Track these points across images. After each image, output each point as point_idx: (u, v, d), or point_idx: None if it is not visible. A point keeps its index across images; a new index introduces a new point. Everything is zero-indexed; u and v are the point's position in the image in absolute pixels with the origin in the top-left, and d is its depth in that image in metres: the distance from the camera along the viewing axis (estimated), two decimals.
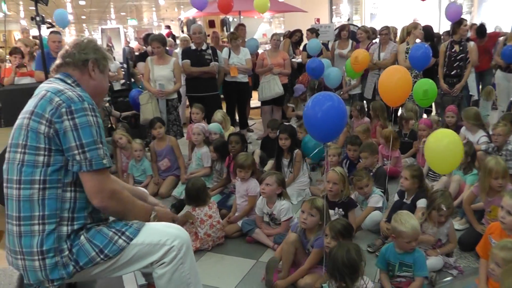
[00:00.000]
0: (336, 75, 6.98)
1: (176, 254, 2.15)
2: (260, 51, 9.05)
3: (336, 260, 2.59)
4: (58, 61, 2.25)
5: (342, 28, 8.32)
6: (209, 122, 6.05)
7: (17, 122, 2.09)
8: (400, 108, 6.76)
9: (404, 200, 3.85)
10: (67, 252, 2.00)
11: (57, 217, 2.01)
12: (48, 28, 5.64)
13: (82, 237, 2.05)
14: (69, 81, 2.18)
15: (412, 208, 3.67)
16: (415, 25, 6.95)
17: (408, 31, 7.00)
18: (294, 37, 8.85)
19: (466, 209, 3.85)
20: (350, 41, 8.06)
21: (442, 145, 3.47)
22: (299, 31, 8.96)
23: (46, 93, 2.05)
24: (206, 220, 3.78)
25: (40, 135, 1.98)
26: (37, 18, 4.69)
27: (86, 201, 2.08)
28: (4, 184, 2.06)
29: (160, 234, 2.17)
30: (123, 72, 8.84)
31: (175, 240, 2.16)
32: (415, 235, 2.91)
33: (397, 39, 8.07)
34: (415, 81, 5.87)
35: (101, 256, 2.04)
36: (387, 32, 7.29)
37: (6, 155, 2.10)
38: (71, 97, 2.02)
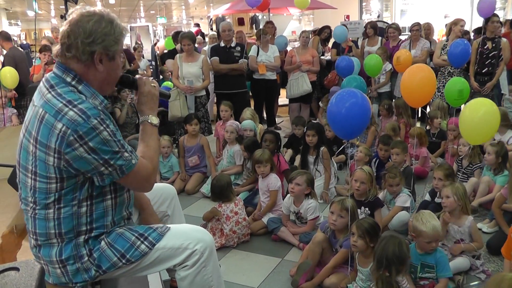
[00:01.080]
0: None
1: (198, 257, 2.11)
2: (289, 48, 9.01)
3: (387, 249, 2.61)
4: (58, 47, 1.91)
5: (365, 26, 8.22)
6: (237, 119, 6.06)
7: (21, 138, 1.91)
8: (428, 105, 6.64)
9: (436, 200, 3.79)
10: (86, 258, 1.98)
11: (74, 232, 1.95)
12: None
13: (102, 242, 2.01)
14: (68, 79, 1.89)
15: (437, 208, 3.62)
16: (455, 22, 6.78)
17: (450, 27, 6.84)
18: (323, 34, 8.80)
19: (495, 212, 3.76)
20: (379, 38, 7.95)
21: (477, 115, 3.38)
22: (328, 27, 8.90)
23: (44, 115, 1.80)
24: (232, 217, 3.79)
25: (49, 166, 1.83)
26: (67, 17, 4.76)
27: (103, 209, 2.01)
28: (20, 198, 2.00)
29: (183, 237, 2.12)
30: (151, 70, 8.94)
31: (198, 244, 2.11)
32: (436, 236, 2.86)
33: (430, 36, 7.93)
34: (450, 79, 5.78)
35: (123, 261, 2.01)
36: (418, 29, 7.16)
37: (17, 172, 1.97)
38: (74, 119, 1.76)
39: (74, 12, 1.91)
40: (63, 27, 1.90)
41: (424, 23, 7.71)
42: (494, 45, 6.28)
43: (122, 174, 1.91)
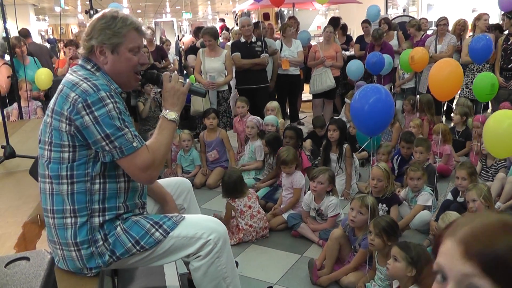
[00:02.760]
0: (358, 67, 6.78)
1: (212, 248, 2.12)
2: (313, 43, 8.95)
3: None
4: (80, 49, 2.15)
5: (379, 22, 8.12)
6: (260, 114, 6.05)
7: (44, 117, 2.07)
8: (454, 104, 6.52)
9: (458, 199, 3.73)
10: (101, 242, 2.02)
11: (87, 210, 2.00)
12: None
13: (118, 228, 2.05)
14: (88, 67, 2.07)
15: (460, 207, 3.56)
16: (479, 17, 6.63)
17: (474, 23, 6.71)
18: (338, 27, 8.68)
19: None
20: (395, 33, 7.86)
21: (502, 127, 3.30)
22: (339, 18, 8.85)
23: (62, 88, 1.98)
24: (246, 211, 3.80)
25: (62, 133, 1.94)
26: (91, 12, 4.80)
27: (116, 190, 2.07)
28: (39, 179, 2.09)
29: (197, 227, 2.14)
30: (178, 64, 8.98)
31: (212, 234, 2.13)
32: None
33: (466, 34, 7.78)
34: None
35: (137, 247, 2.04)
36: (445, 23, 6.99)
37: (39, 151, 2.09)
38: (86, 89, 1.91)
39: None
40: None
41: (459, 19, 7.52)
42: None
43: (122, 154, 1.95)
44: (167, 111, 2.17)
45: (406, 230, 3.84)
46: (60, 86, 2.00)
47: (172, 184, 2.65)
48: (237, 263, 3.30)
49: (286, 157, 4.10)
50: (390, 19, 9.29)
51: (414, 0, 15.08)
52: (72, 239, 2.00)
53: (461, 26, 7.24)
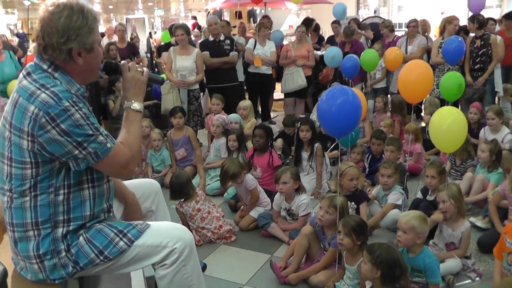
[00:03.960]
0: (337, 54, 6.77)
1: (178, 256, 2.06)
2: (285, 42, 8.96)
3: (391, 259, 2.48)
4: (35, 48, 1.92)
5: (349, 22, 8.19)
6: (230, 112, 6.01)
7: (0, 127, 1.90)
8: (423, 103, 6.61)
9: (427, 198, 3.76)
10: (64, 253, 1.93)
11: (51, 222, 1.90)
12: None
13: (81, 237, 1.97)
14: (44, 66, 1.88)
15: (429, 206, 3.58)
16: (449, 20, 6.75)
17: (444, 25, 6.84)
18: (310, 28, 8.70)
19: (491, 210, 3.72)
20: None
21: (445, 123, 3.36)
22: (313, 19, 8.88)
23: (17, 98, 1.80)
24: (195, 215, 3.75)
25: (24, 150, 1.81)
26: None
27: (81, 199, 1.96)
28: None
29: (162, 235, 2.07)
30: (147, 62, 8.86)
31: (177, 242, 2.06)
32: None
33: (427, 33, 7.92)
34: None
35: (101, 258, 1.96)
36: (415, 25, 7.11)
37: None
38: (46, 100, 1.75)
39: (43, 8, 1.86)
40: (36, 26, 1.89)
41: (420, 19, 7.67)
42: (482, 42, 6.39)
43: (97, 158, 1.86)
44: (132, 101, 2.10)
45: (376, 229, 3.85)
46: (14, 95, 1.83)
47: (139, 186, 2.57)
48: (205, 266, 3.28)
49: (233, 170, 3.90)
50: (361, 19, 9.36)
51: (385, 2, 15.25)
52: (35, 251, 1.91)
53: (422, 26, 7.37)
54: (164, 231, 2.12)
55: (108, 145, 1.89)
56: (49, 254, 1.91)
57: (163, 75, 7.31)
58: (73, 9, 1.84)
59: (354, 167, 3.73)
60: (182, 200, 3.80)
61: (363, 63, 6.55)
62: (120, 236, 2.01)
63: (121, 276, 2.39)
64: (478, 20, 6.37)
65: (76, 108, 1.79)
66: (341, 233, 2.86)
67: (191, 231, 3.62)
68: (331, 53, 6.75)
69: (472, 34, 6.70)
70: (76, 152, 1.81)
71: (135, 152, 2.01)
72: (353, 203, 3.73)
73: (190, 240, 2.13)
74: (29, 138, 1.78)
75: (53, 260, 1.92)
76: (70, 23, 1.82)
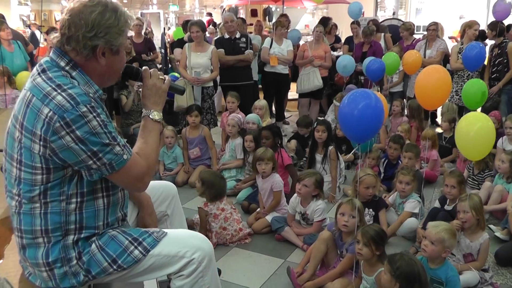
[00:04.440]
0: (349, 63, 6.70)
1: (196, 267, 1.96)
2: (301, 42, 8.87)
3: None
4: (57, 36, 1.79)
5: (368, 23, 8.06)
6: (244, 111, 5.94)
7: (9, 125, 1.80)
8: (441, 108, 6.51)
9: (445, 207, 3.67)
10: (75, 261, 1.84)
11: (62, 230, 1.81)
12: None
13: (93, 245, 1.88)
14: (62, 63, 1.77)
15: (447, 216, 3.49)
16: (470, 24, 6.61)
17: (464, 29, 6.71)
18: (327, 27, 8.61)
19: (511, 221, 3.62)
20: (382, 35, 7.82)
21: (473, 130, 3.29)
22: (327, 18, 8.73)
23: (31, 98, 1.69)
24: (219, 214, 3.66)
25: (35, 155, 1.71)
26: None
27: (95, 208, 1.87)
28: (5, 192, 1.88)
29: (180, 244, 1.97)
30: (161, 57, 8.80)
31: (196, 253, 1.96)
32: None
33: (442, 36, 7.79)
34: None
35: (114, 267, 1.87)
36: (435, 28, 6.97)
37: (3, 160, 1.85)
38: (62, 104, 1.64)
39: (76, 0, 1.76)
40: (63, 15, 1.77)
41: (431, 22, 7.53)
42: (499, 51, 6.28)
43: (112, 170, 1.77)
44: (151, 110, 2.01)
45: (392, 237, 3.76)
46: (26, 93, 1.73)
47: (155, 188, 2.47)
48: (219, 271, 3.20)
49: (262, 153, 3.97)
50: (379, 21, 9.23)
51: (403, 3, 15.10)
52: (44, 259, 1.82)
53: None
54: (182, 240, 2.02)
55: (125, 156, 1.79)
56: (59, 262, 1.83)
57: (176, 73, 7.29)
58: (107, 7, 1.77)
59: (371, 175, 3.64)
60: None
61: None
62: (135, 244, 1.92)
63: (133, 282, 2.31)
64: (497, 27, 6.24)
65: (94, 114, 1.69)
66: (360, 242, 2.77)
67: (211, 234, 3.61)
68: (343, 61, 6.67)
69: (492, 41, 6.58)
70: (90, 162, 1.72)
71: (152, 164, 1.92)
72: (371, 209, 3.65)
73: (209, 250, 2.03)
74: (41, 143, 1.69)
75: (64, 268, 1.84)
76: (102, 19, 1.74)
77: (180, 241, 2.01)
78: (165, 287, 2.56)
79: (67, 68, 1.77)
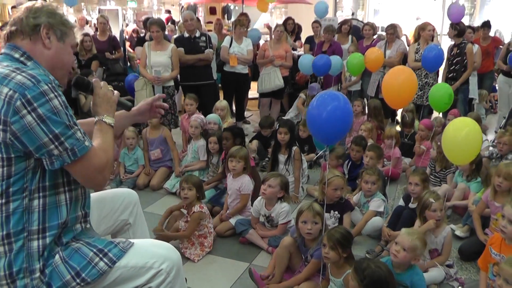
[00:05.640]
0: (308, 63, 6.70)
1: (164, 278, 1.90)
2: (261, 42, 8.84)
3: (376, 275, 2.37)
4: (4, 31, 1.84)
5: (344, 22, 8.11)
6: (205, 111, 5.84)
7: None
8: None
9: (410, 205, 3.71)
10: (38, 274, 1.74)
11: (24, 232, 1.72)
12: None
13: (57, 256, 1.78)
14: (16, 55, 1.77)
15: (412, 214, 3.53)
16: (423, 26, 6.76)
17: (418, 32, 6.87)
18: (288, 26, 8.61)
19: (474, 218, 3.69)
20: (350, 37, 7.86)
21: (460, 135, 3.34)
22: (291, 18, 8.77)
23: None
24: (208, 214, 3.65)
25: None
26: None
27: (56, 204, 1.79)
28: None
29: (148, 255, 1.91)
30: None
31: (164, 263, 1.90)
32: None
33: (400, 37, 7.93)
34: (426, 81, 6.10)
35: (77, 280, 1.77)
36: (392, 32, 7.03)
37: None
38: (22, 82, 1.62)
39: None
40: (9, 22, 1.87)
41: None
42: (458, 51, 6.45)
43: (74, 156, 1.70)
44: (103, 115, 1.95)
45: (357, 236, 3.76)
46: None
47: (116, 196, 2.40)
48: (185, 280, 3.11)
49: (235, 150, 3.89)
50: (338, 21, 9.29)
51: (361, 4, 15.33)
52: (6, 270, 1.71)
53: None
54: (150, 250, 1.95)
55: (86, 143, 1.74)
56: (21, 272, 1.72)
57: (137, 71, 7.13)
58: (51, 6, 1.88)
59: (339, 177, 3.63)
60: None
61: (349, 66, 6.52)
62: (100, 255, 1.83)
63: None
64: (458, 27, 6.39)
65: (56, 94, 1.67)
66: (326, 246, 2.75)
67: (210, 235, 3.56)
68: (305, 59, 6.68)
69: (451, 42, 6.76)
70: (52, 146, 1.65)
71: (110, 159, 1.87)
72: (336, 212, 3.64)
73: (177, 260, 1.98)
74: (1, 127, 1.62)
75: (25, 281, 1.73)
76: (44, 8, 1.83)
77: (147, 251, 1.94)
78: None
79: (21, 59, 1.77)
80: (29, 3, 1.84)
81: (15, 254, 1.71)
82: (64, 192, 1.82)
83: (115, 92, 2.09)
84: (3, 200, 1.69)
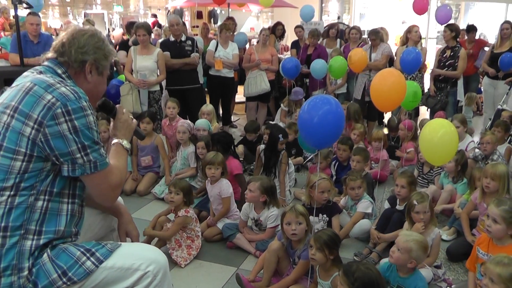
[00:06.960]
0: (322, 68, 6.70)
1: (151, 280, 1.91)
2: (247, 46, 8.83)
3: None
4: (50, 54, 1.97)
5: (331, 26, 8.14)
6: (192, 116, 5.79)
7: None
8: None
9: (397, 207, 3.72)
10: (26, 272, 1.74)
11: (22, 229, 1.75)
12: (25, 8, 5.35)
13: (45, 254, 1.79)
14: (59, 71, 1.92)
15: (402, 217, 3.53)
16: (409, 29, 6.83)
17: (406, 36, 6.94)
18: (277, 31, 8.63)
19: (462, 219, 3.71)
20: (338, 40, 7.88)
21: (436, 136, 3.36)
22: (281, 24, 8.77)
23: (32, 86, 1.78)
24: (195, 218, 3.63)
25: (23, 138, 1.73)
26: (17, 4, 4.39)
27: (57, 211, 1.85)
28: None
29: (134, 257, 1.93)
30: None
31: (151, 265, 1.92)
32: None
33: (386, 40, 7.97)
34: None
35: (64, 279, 1.78)
36: (374, 38, 7.02)
37: None
38: (66, 93, 1.77)
39: (69, 27, 2.05)
40: (60, 35, 2.01)
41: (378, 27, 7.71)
42: (452, 53, 6.48)
43: (95, 169, 1.83)
44: (122, 139, 2.11)
45: (345, 239, 3.76)
46: (26, 83, 1.80)
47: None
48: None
49: (212, 157, 3.82)
50: (324, 25, 9.32)
51: (347, 8, 15.42)
52: None
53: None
54: (137, 252, 1.98)
55: (107, 160, 1.89)
56: (9, 269, 1.72)
57: (122, 76, 7.06)
58: (96, 34, 2.02)
59: (326, 179, 3.62)
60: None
61: (331, 70, 6.53)
62: (88, 255, 1.85)
63: None
64: (455, 29, 6.45)
65: (91, 111, 1.83)
66: (313, 248, 2.74)
67: (197, 238, 3.55)
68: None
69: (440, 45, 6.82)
70: (78, 155, 1.78)
71: (123, 180, 2.02)
72: (325, 215, 3.64)
73: (164, 262, 1.99)
74: (35, 126, 1.73)
75: (11, 278, 1.73)
76: (91, 41, 1.97)
77: (134, 253, 1.97)
78: None
79: (63, 75, 1.92)
80: (77, 31, 1.99)
81: (7, 249, 1.73)
82: (67, 203, 1.89)
83: (134, 120, 2.24)
84: (12, 192, 1.74)
